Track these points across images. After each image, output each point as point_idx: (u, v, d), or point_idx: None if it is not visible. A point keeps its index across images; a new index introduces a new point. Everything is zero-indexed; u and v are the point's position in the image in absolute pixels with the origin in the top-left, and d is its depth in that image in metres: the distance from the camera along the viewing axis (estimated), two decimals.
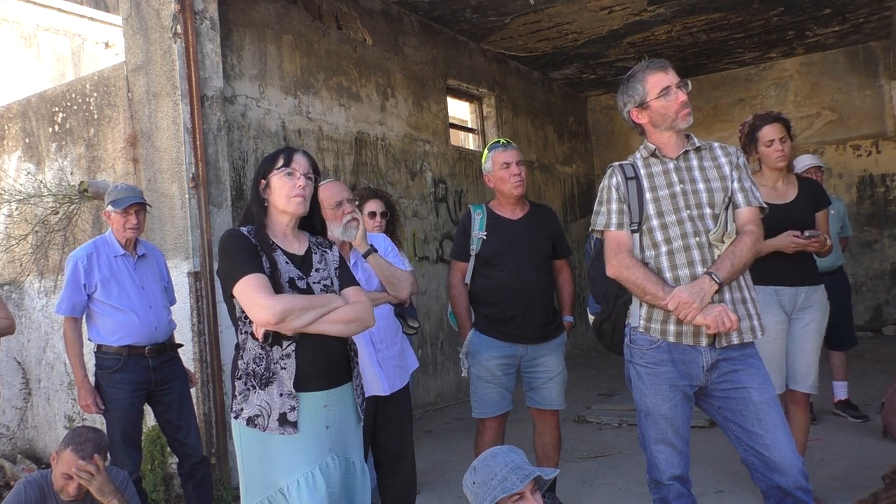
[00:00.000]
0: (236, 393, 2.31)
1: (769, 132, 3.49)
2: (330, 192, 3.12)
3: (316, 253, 2.45)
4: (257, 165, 2.50)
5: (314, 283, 2.36)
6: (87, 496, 2.91)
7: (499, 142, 3.72)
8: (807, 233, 3.41)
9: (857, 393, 5.51)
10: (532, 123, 9.43)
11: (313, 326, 2.26)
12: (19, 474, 5.00)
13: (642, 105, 2.61)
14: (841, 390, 5.34)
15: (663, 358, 2.56)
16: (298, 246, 2.43)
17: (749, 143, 3.56)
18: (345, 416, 2.37)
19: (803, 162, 5.31)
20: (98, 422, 4.11)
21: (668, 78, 2.59)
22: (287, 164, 2.37)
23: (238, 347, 2.36)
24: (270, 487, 2.27)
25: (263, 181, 2.39)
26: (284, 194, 2.35)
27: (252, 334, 2.29)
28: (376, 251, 3.14)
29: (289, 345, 2.27)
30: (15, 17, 8.02)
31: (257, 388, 2.27)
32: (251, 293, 2.21)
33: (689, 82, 2.63)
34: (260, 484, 2.29)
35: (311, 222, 2.51)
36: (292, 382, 2.26)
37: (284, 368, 2.26)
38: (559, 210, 9.78)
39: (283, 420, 2.24)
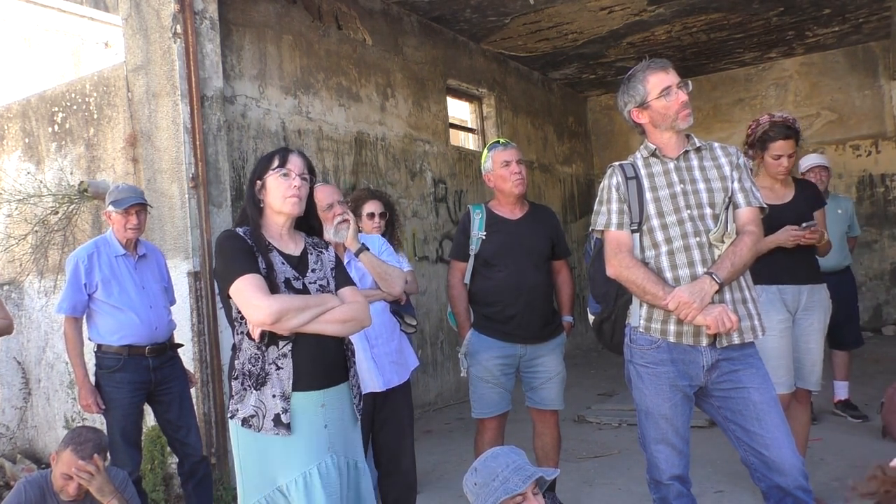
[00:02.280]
0: (233, 393, 2.32)
1: (781, 147, 3.48)
2: (321, 195, 3.15)
3: (312, 253, 2.46)
4: (239, 172, 2.51)
5: (310, 283, 2.36)
6: (87, 496, 2.90)
7: (498, 141, 3.74)
8: (804, 224, 3.43)
9: (857, 393, 5.51)
10: (532, 123, 9.43)
11: (310, 326, 2.26)
12: (19, 474, 5.00)
13: (643, 105, 2.61)
14: (842, 390, 5.34)
15: (663, 358, 2.56)
16: (294, 246, 2.43)
17: (757, 145, 3.55)
18: (342, 416, 2.38)
19: (809, 161, 5.29)
20: (98, 422, 4.11)
21: (669, 78, 2.58)
22: (282, 164, 2.37)
23: (235, 348, 2.37)
24: (268, 487, 2.27)
25: (259, 182, 2.39)
26: (280, 195, 2.36)
27: (248, 334, 2.30)
28: (367, 249, 3.16)
29: (285, 345, 2.28)
30: (15, 18, 8.02)
31: (252, 388, 2.27)
32: (247, 293, 2.21)
33: (690, 82, 2.63)
34: (257, 484, 2.29)
35: (309, 223, 2.51)
36: (290, 382, 2.26)
37: (281, 368, 2.27)
38: (559, 210, 9.78)
39: (276, 421, 2.24)
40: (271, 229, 2.41)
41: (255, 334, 2.26)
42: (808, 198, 3.64)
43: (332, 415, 2.33)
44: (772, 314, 3.41)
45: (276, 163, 2.38)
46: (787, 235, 3.42)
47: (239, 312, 2.31)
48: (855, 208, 5.93)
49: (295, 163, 2.39)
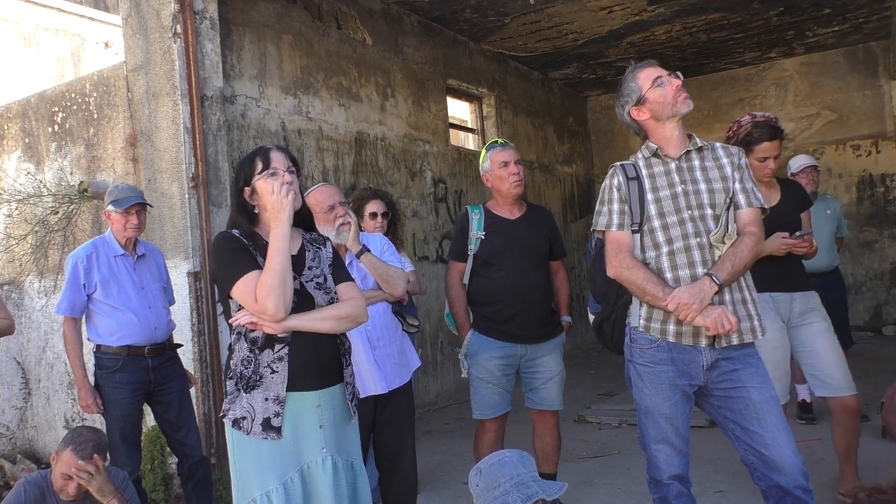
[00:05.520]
0: (227, 392, 2.32)
1: (767, 149, 3.42)
2: (322, 196, 3.14)
3: (309, 250, 2.44)
4: (234, 172, 2.48)
5: (307, 281, 2.35)
6: (86, 496, 2.90)
7: (496, 142, 3.73)
8: (797, 234, 3.37)
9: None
10: (532, 123, 9.43)
11: (305, 325, 2.26)
12: (19, 474, 5.00)
13: (640, 101, 2.61)
14: None
15: (663, 357, 2.56)
16: (291, 244, 2.41)
17: (741, 147, 3.46)
18: (338, 416, 2.37)
19: (799, 162, 5.27)
20: (98, 422, 4.11)
21: (658, 70, 2.63)
22: (266, 165, 2.35)
23: (230, 348, 2.37)
24: (259, 488, 2.26)
25: (247, 188, 2.37)
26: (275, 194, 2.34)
27: (244, 335, 2.30)
28: (368, 250, 3.15)
29: (281, 348, 2.27)
30: (15, 17, 8.01)
31: (243, 390, 2.27)
32: (248, 298, 2.22)
33: (680, 73, 2.64)
34: (249, 484, 2.28)
35: (300, 216, 2.49)
36: (284, 387, 2.25)
37: (276, 372, 2.26)
38: (559, 210, 9.78)
39: (266, 425, 2.24)
40: (269, 231, 2.39)
41: (272, 330, 2.25)
42: (796, 199, 3.58)
43: (327, 415, 2.33)
44: (766, 324, 3.35)
45: (259, 166, 2.35)
46: (778, 244, 3.34)
47: (239, 310, 2.30)
48: (842, 209, 5.92)
49: (278, 160, 2.37)
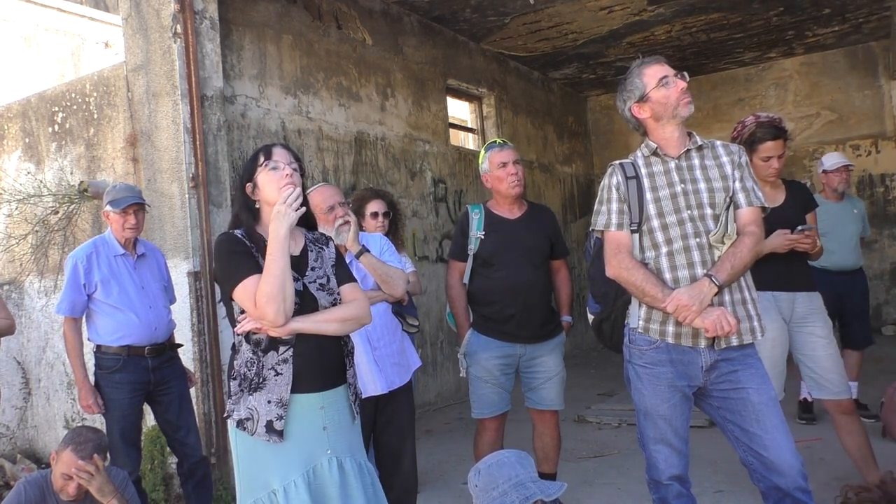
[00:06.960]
0: (231, 393, 2.31)
1: (771, 148, 3.42)
2: (322, 197, 3.14)
3: (312, 251, 2.44)
4: (239, 172, 2.49)
5: (309, 282, 2.35)
6: (86, 496, 2.90)
7: (495, 142, 3.72)
8: (799, 228, 3.36)
9: (857, 393, 5.50)
10: (532, 123, 9.43)
11: (309, 327, 2.26)
12: (19, 474, 5.00)
13: (643, 98, 2.59)
14: (852, 390, 5.32)
15: (662, 358, 2.55)
16: (294, 244, 2.40)
17: (745, 148, 3.46)
18: (342, 417, 2.37)
19: (833, 160, 5.20)
20: (98, 422, 4.11)
21: (665, 69, 2.59)
22: (269, 158, 2.38)
23: (234, 348, 2.37)
24: (262, 489, 2.26)
25: (250, 184, 2.39)
26: (275, 186, 2.34)
27: (246, 337, 2.29)
28: (368, 251, 3.15)
29: (285, 350, 2.26)
30: (15, 17, 8.02)
31: (247, 392, 2.27)
32: (249, 304, 2.22)
33: (686, 74, 2.62)
34: (252, 485, 2.28)
35: (304, 216, 2.49)
36: (288, 389, 2.25)
37: (280, 374, 2.25)
38: (559, 210, 9.78)
39: (269, 427, 2.23)
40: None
41: (276, 333, 2.25)
42: (800, 200, 3.58)
43: (331, 417, 2.32)
44: (766, 322, 3.34)
45: (261, 159, 2.38)
46: (781, 240, 3.33)
47: (242, 312, 2.30)
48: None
49: (281, 154, 2.39)
